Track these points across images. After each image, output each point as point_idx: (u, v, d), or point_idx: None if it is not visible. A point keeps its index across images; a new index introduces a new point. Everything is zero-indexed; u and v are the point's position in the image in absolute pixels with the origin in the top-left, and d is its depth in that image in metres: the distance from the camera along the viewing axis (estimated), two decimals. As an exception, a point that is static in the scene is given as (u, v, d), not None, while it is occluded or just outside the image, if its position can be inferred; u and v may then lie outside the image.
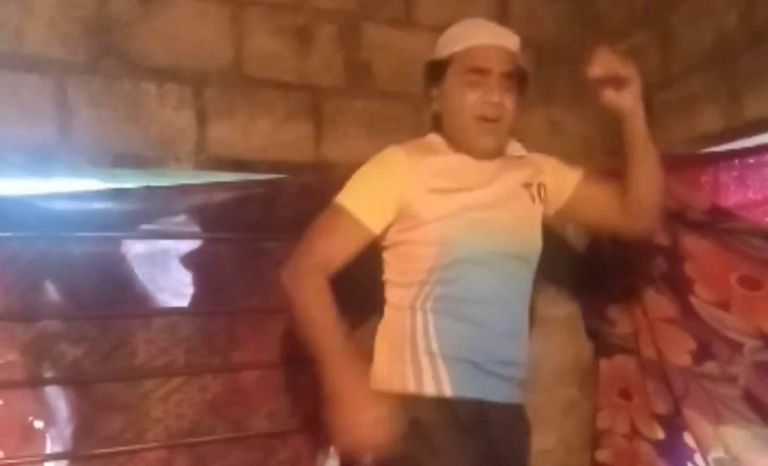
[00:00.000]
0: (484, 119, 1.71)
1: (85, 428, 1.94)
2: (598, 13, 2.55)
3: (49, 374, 1.92)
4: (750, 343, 2.01)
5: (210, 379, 2.05)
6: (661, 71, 2.34)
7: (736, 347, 2.04)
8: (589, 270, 2.52)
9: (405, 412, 1.60)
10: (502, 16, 2.45)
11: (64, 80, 1.90)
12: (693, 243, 2.15)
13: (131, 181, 1.99)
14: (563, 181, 1.89)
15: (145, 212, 1.97)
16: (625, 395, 2.43)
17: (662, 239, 2.22)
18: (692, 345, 2.15)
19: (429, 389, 1.66)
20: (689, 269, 2.15)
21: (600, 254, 2.47)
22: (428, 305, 1.69)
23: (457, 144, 1.76)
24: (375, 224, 1.69)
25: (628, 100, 1.71)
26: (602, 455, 2.49)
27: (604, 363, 2.49)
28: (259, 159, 2.09)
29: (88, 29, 1.92)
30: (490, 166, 1.77)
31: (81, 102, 1.91)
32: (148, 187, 1.98)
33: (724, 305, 2.06)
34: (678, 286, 2.18)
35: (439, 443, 1.63)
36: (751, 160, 2.08)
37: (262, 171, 2.09)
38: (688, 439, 2.19)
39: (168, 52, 2.00)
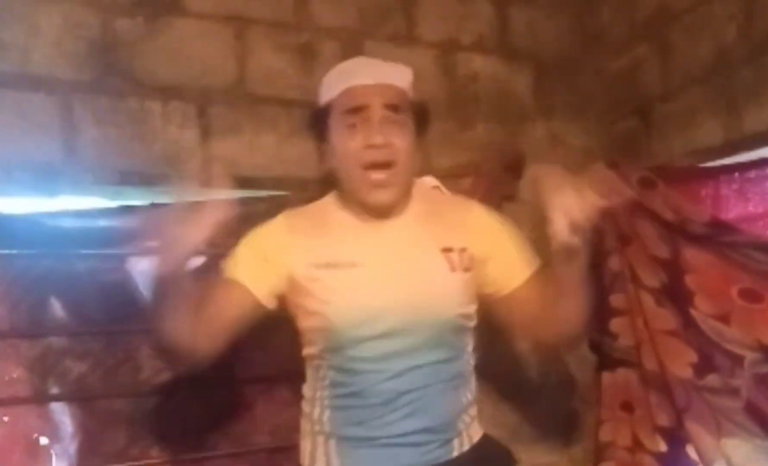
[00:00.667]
0: (373, 167, 1.49)
1: (90, 444, 1.95)
2: (599, 27, 2.57)
3: (54, 390, 1.92)
4: (750, 356, 2.01)
5: (214, 394, 2.05)
6: (661, 84, 2.35)
7: (737, 359, 2.04)
8: (590, 283, 2.51)
9: None
10: (502, 30, 2.48)
11: (70, 99, 1.92)
12: (694, 256, 2.15)
13: (136, 198, 2.00)
14: (507, 271, 1.62)
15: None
16: (628, 407, 2.43)
17: (663, 251, 2.23)
18: (693, 358, 2.16)
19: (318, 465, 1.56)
20: (690, 281, 2.16)
21: (601, 266, 2.48)
22: (326, 381, 1.57)
23: (351, 202, 1.57)
24: (263, 294, 1.56)
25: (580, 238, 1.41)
26: (605, 467, 2.49)
27: (606, 376, 2.49)
28: (263, 176, 2.11)
29: (93, 48, 1.94)
30: (390, 226, 1.57)
31: (86, 120, 1.93)
32: (153, 205, 1.99)
33: (725, 318, 2.07)
34: (679, 298, 2.19)
35: None
36: (752, 174, 2.09)
37: (266, 188, 2.11)
38: (691, 451, 2.20)
39: (172, 70, 2.02)
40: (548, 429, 2.46)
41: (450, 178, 2.23)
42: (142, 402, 1.98)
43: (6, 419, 1.92)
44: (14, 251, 1.88)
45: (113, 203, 2.01)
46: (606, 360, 2.50)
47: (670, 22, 2.31)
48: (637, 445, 2.39)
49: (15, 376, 1.90)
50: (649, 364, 2.30)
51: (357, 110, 1.51)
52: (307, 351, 1.62)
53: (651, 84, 2.39)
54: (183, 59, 2.04)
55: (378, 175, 1.50)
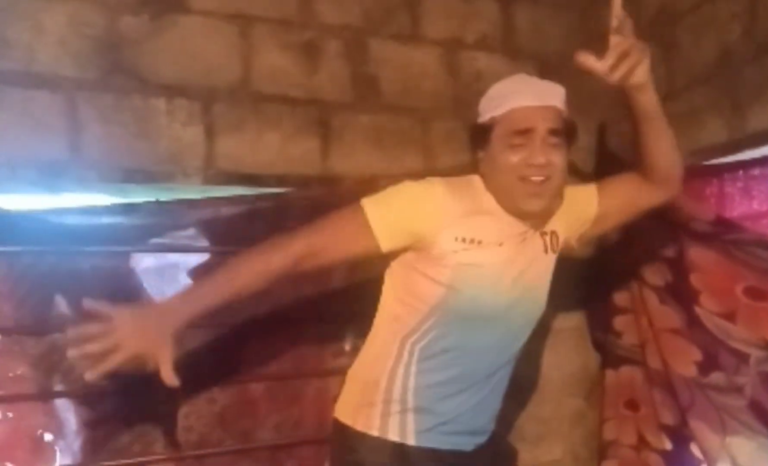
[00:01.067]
0: (529, 180, 1.60)
1: (94, 441, 1.95)
2: (603, 26, 2.56)
3: (59, 387, 1.93)
4: (756, 353, 2.01)
5: (218, 391, 2.06)
6: (666, 84, 2.35)
7: (742, 357, 2.04)
8: (595, 282, 2.52)
9: (363, 453, 1.63)
10: (506, 29, 2.48)
11: (75, 97, 1.92)
12: (698, 254, 2.16)
13: (141, 195, 2.01)
14: (583, 206, 1.81)
15: (154, 227, 2.00)
16: (632, 406, 2.43)
17: (668, 250, 2.23)
18: (698, 356, 2.16)
19: (392, 436, 1.64)
20: (695, 280, 2.16)
21: (606, 265, 2.49)
22: (417, 348, 1.65)
23: (503, 204, 1.66)
24: (384, 242, 1.61)
25: (641, 74, 1.58)
26: (609, 465, 2.49)
27: (610, 374, 2.50)
28: (267, 173, 2.11)
29: (98, 46, 1.95)
30: (525, 224, 1.69)
31: (91, 118, 1.93)
32: (158, 202, 2.00)
33: (730, 316, 2.07)
34: (684, 297, 2.19)
35: None
36: (756, 172, 2.10)
37: (270, 185, 2.11)
38: (695, 449, 2.20)
39: (177, 68, 2.02)
40: (552, 427, 2.46)
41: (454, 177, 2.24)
42: (146, 399, 1.99)
43: (11, 415, 1.92)
44: (19, 248, 1.88)
45: (118, 200, 2.02)
46: (610, 358, 2.50)
47: (674, 21, 2.31)
48: (641, 443, 2.39)
49: (20, 373, 1.90)
50: (654, 362, 2.31)
51: (523, 132, 1.59)
52: (405, 320, 1.67)
53: (655, 83, 2.35)
54: (187, 57, 2.04)
55: (534, 186, 1.61)
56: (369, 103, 2.26)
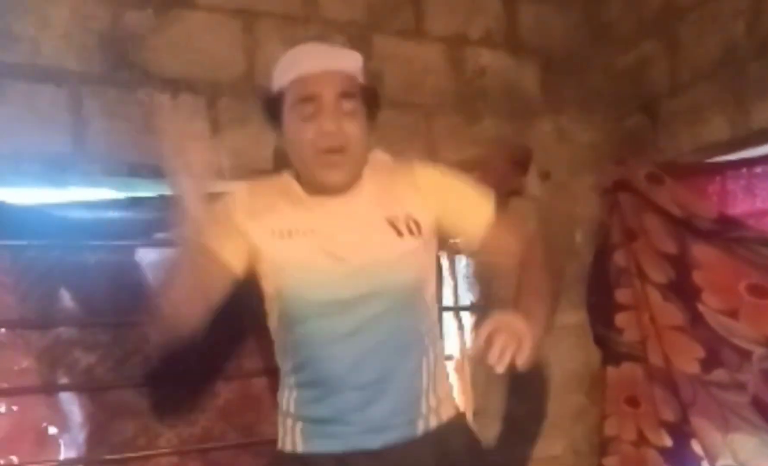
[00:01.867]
0: (326, 152, 1.51)
1: (98, 434, 1.96)
2: (607, 23, 2.57)
3: (63, 381, 1.94)
4: (759, 351, 2.02)
5: (221, 385, 2.07)
6: (669, 80, 2.35)
7: (745, 354, 2.05)
8: (597, 278, 2.53)
9: None
10: (510, 25, 2.48)
11: (80, 91, 1.92)
12: (701, 251, 2.16)
13: (145, 190, 2.01)
14: (472, 216, 1.63)
15: (158, 221, 1.99)
16: (633, 402, 2.44)
17: (670, 247, 2.24)
18: (700, 353, 2.16)
19: (287, 448, 1.57)
20: (697, 277, 2.16)
21: (608, 261, 2.49)
22: (288, 355, 1.57)
23: (305, 181, 1.57)
24: (233, 263, 1.52)
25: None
26: (610, 461, 2.49)
27: (611, 371, 2.50)
28: (271, 168, 2.11)
29: (103, 41, 1.95)
30: (342, 201, 1.56)
31: (96, 112, 1.93)
32: (162, 197, 2.00)
33: (733, 313, 2.07)
34: (686, 294, 2.20)
35: None
36: (758, 169, 2.11)
37: (274, 180, 2.11)
38: (696, 446, 2.20)
39: (182, 63, 2.02)
40: (553, 423, 2.46)
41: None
42: (150, 393, 1.99)
43: (15, 408, 1.94)
44: (24, 242, 1.89)
45: (122, 195, 2.02)
46: (611, 354, 2.51)
47: (678, 18, 2.31)
48: (642, 439, 2.40)
49: (24, 366, 1.92)
50: (655, 359, 2.31)
51: (309, 99, 1.51)
52: (270, 324, 1.61)
53: (658, 80, 2.39)
54: (192, 52, 2.04)
55: (331, 158, 1.51)
56: (373, 98, 2.26)
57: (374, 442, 1.50)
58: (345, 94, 1.52)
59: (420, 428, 1.54)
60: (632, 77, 2.49)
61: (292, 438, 1.56)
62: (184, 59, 2.03)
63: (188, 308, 1.44)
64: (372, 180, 1.61)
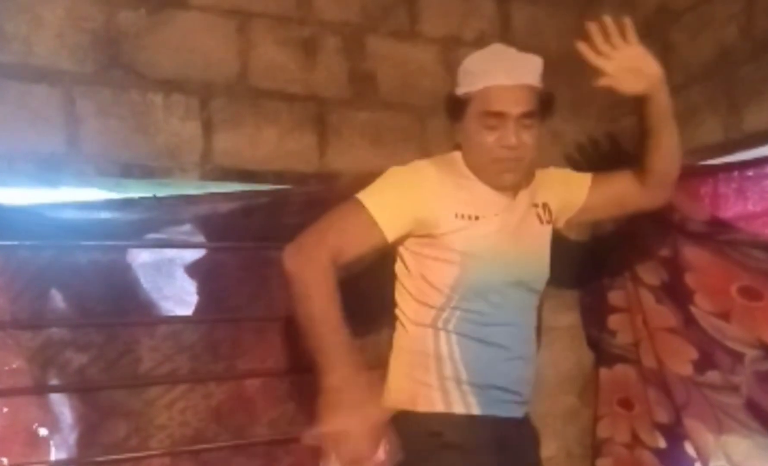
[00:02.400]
0: (501, 159, 1.68)
1: (89, 435, 1.96)
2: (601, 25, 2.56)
3: (54, 381, 1.93)
4: (751, 353, 2.02)
5: (214, 386, 2.06)
6: (662, 83, 2.35)
7: (738, 356, 2.05)
8: (590, 280, 2.53)
9: (431, 429, 1.65)
10: (504, 27, 2.48)
11: (73, 91, 1.92)
12: (693, 254, 2.16)
13: (138, 190, 2.01)
14: (574, 190, 1.89)
15: (151, 222, 1.99)
16: (626, 404, 2.44)
17: (663, 249, 2.24)
18: (694, 355, 2.17)
19: (458, 409, 1.67)
20: (690, 279, 2.17)
21: (601, 264, 2.49)
22: (451, 326, 1.69)
23: (481, 178, 1.73)
24: (390, 232, 1.64)
25: (647, 79, 1.73)
26: (603, 463, 2.50)
27: (604, 372, 2.51)
28: (265, 169, 2.11)
29: (96, 40, 1.94)
30: (507, 196, 1.75)
31: (89, 112, 1.93)
32: (155, 197, 2.00)
33: (725, 316, 2.08)
34: (679, 296, 2.20)
35: (470, 457, 1.65)
36: (750, 173, 2.10)
37: (268, 181, 2.12)
38: (689, 448, 2.21)
39: (175, 63, 2.02)
40: (545, 425, 2.47)
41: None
42: (141, 394, 1.99)
43: (6, 409, 1.92)
44: (16, 242, 1.88)
45: (115, 195, 2.02)
46: (604, 356, 2.51)
47: (671, 21, 2.31)
48: (635, 441, 2.40)
49: (15, 367, 1.91)
50: (648, 361, 2.32)
51: (496, 115, 1.65)
52: (429, 306, 1.70)
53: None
54: (185, 52, 2.03)
55: (507, 164, 1.68)
56: (367, 100, 2.26)
57: (519, 411, 1.77)
58: (528, 114, 1.67)
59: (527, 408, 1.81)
60: (626, 80, 2.49)
61: (463, 401, 1.68)
62: (178, 59, 2.03)
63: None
64: (549, 189, 1.85)
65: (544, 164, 2.45)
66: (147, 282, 2.01)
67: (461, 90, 1.72)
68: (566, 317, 2.55)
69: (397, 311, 1.79)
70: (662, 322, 2.26)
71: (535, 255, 1.79)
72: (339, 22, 2.22)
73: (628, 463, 2.43)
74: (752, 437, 2.03)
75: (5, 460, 1.91)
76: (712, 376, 2.12)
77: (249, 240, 2.08)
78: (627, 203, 1.92)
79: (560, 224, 1.91)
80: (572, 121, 2.53)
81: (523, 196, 1.78)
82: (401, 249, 1.74)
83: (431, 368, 1.69)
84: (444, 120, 2.29)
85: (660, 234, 2.25)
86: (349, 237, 1.63)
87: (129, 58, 1.98)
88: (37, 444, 1.95)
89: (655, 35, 2.37)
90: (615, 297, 2.46)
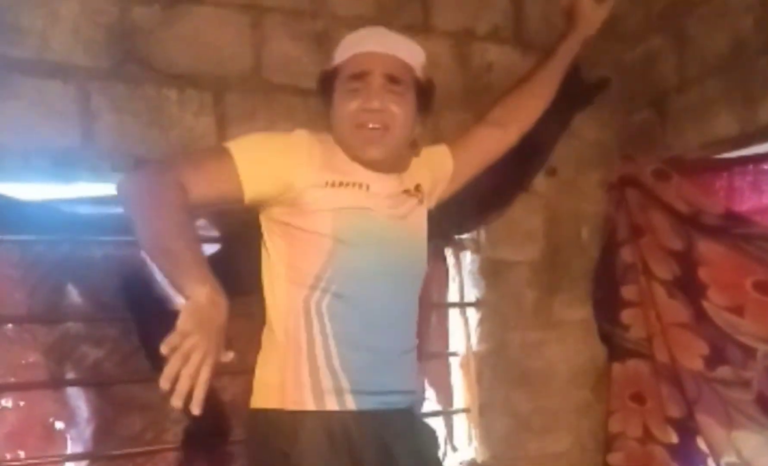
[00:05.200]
0: (365, 127, 1.58)
1: (105, 429, 1.97)
2: (614, 18, 2.54)
3: (70, 375, 1.95)
4: (764, 348, 2.02)
5: (229, 380, 2.07)
6: (677, 76, 2.35)
7: (750, 352, 2.05)
8: (603, 275, 2.53)
9: (303, 430, 1.52)
10: (517, 20, 2.47)
11: (88, 86, 1.92)
12: (707, 248, 2.16)
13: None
14: (439, 163, 1.85)
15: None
16: (638, 399, 2.44)
17: (676, 243, 2.23)
18: (705, 350, 2.16)
19: (331, 407, 1.55)
20: (703, 273, 2.16)
21: (614, 258, 2.49)
22: (323, 306, 1.56)
23: (349, 155, 1.63)
24: (249, 188, 1.53)
25: (601, 14, 2.01)
26: (615, 458, 2.50)
27: (617, 367, 2.50)
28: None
29: (111, 36, 1.95)
30: (386, 179, 1.66)
31: (104, 107, 1.93)
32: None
33: (738, 310, 2.07)
34: (691, 290, 2.19)
35: (348, 454, 1.53)
36: (766, 166, 2.09)
37: (282, 176, 2.11)
38: (701, 443, 2.21)
39: (189, 58, 2.02)
40: (559, 419, 2.47)
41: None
42: (157, 388, 1.99)
43: (22, 403, 1.94)
44: (32, 237, 1.90)
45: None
46: (617, 351, 2.51)
47: (686, 13, 2.30)
48: (647, 436, 2.40)
49: (32, 361, 1.92)
50: (661, 356, 2.31)
51: (359, 76, 1.58)
52: (301, 282, 1.58)
53: (666, 76, 2.38)
54: (199, 47, 2.03)
55: (370, 133, 1.58)
56: (380, 93, 2.25)
57: (401, 403, 1.67)
58: (394, 77, 1.59)
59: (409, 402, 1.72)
60: (640, 73, 2.48)
61: (338, 396, 1.56)
62: (192, 54, 2.03)
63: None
64: (420, 170, 1.77)
65: (560, 159, 2.49)
66: (162, 276, 2.02)
67: (332, 63, 1.67)
68: (579, 312, 2.55)
69: (267, 302, 1.67)
70: (674, 317, 2.25)
71: (415, 243, 1.71)
72: (352, 16, 2.21)
73: (640, 458, 2.43)
74: (763, 433, 2.03)
75: (22, 453, 1.93)
76: (723, 371, 2.12)
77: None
78: (491, 151, 1.93)
79: (433, 203, 1.84)
80: (587, 115, 2.53)
81: (400, 179, 1.69)
82: (270, 229, 1.63)
83: (303, 361, 1.56)
84: (458, 114, 2.32)
85: (674, 228, 2.24)
86: (203, 174, 1.51)
87: (143, 53, 1.98)
88: (54, 438, 1.97)
89: (669, 27, 2.37)
90: (628, 291, 2.45)
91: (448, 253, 2.48)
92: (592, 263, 2.55)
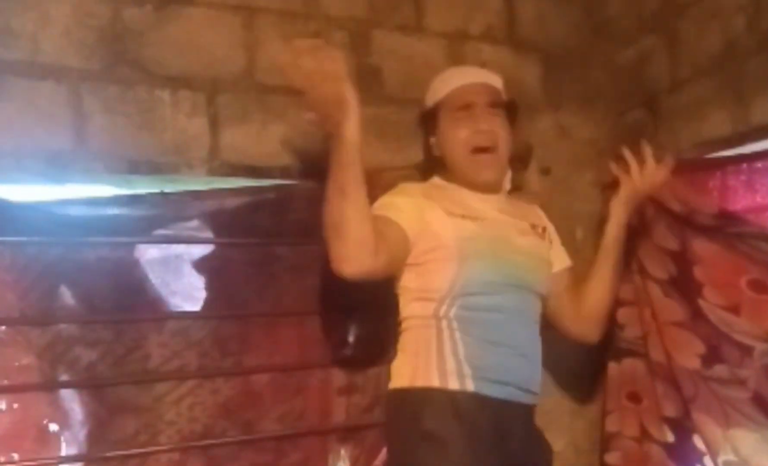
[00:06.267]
0: (479, 151, 1.80)
1: (99, 431, 1.96)
2: (607, 18, 2.56)
3: (64, 378, 1.94)
4: (760, 346, 2.01)
5: (222, 382, 2.06)
6: (669, 76, 2.35)
7: (746, 350, 2.04)
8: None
9: (427, 406, 1.68)
10: (510, 21, 2.47)
11: (80, 88, 1.92)
12: (702, 247, 2.15)
13: (145, 187, 2.01)
14: (553, 253, 2.01)
15: (158, 218, 2.00)
16: (635, 398, 2.43)
17: (671, 242, 2.23)
18: (701, 348, 2.15)
19: (452, 386, 1.69)
20: (698, 272, 2.16)
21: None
22: (452, 314, 1.72)
23: (461, 181, 1.84)
24: (410, 229, 1.72)
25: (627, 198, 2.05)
26: (611, 457, 2.49)
27: (612, 367, 2.49)
28: (272, 165, 2.11)
29: (103, 37, 1.95)
30: (494, 199, 1.86)
31: (96, 109, 1.93)
32: (162, 193, 2.00)
33: (734, 309, 2.07)
34: (687, 289, 2.19)
35: (470, 425, 1.68)
36: (759, 165, 2.09)
37: (274, 177, 2.11)
38: (698, 442, 2.20)
39: (181, 59, 2.02)
40: (553, 419, 2.46)
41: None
42: (150, 390, 1.99)
43: (16, 406, 1.93)
44: (24, 239, 1.89)
45: (122, 192, 2.02)
46: (613, 350, 2.50)
47: (678, 13, 2.30)
48: (644, 435, 2.39)
49: (25, 363, 1.91)
50: (656, 355, 2.30)
51: (465, 107, 1.81)
52: (431, 294, 1.74)
53: (659, 75, 2.38)
54: (192, 49, 2.03)
55: (484, 157, 1.80)
56: (373, 94, 2.25)
57: (522, 397, 1.80)
58: (495, 104, 1.84)
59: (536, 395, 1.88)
60: (632, 73, 2.48)
61: (459, 379, 1.70)
62: (184, 56, 2.03)
63: (368, 246, 1.56)
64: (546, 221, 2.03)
65: (553, 159, 2.49)
66: (155, 278, 2.01)
67: (431, 102, 1.91)
68: (574, 311, 2.54)
69: (402, 332, 1.83)
70: (670, 315, 2.25)
71: (533, 261, 1.86)
72: (345, 17, 2.21)
73: (636, 457, 2.42)
74: (760, 431, 2.02)
75: (16, 455, 1.92)
76: (720, 370, 2.11)
77: (256, 235, 2.09)
78: (558, 316, 2.03)
79: None
80: (578, 114, 2.53)
81: (516, 210, 1.91)
82: (404, 277, 1.80)
83: (432, 363, 1.72)
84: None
85: (668, 227, 2.24)
86: (386, 235, 1.65)
87: (135, 54, 1.98)
88: (47, 440, 1.96)
89: (662, 27, 2.37)
90: (623, 290, 2.44)
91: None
92: (587, 263, 2.54)
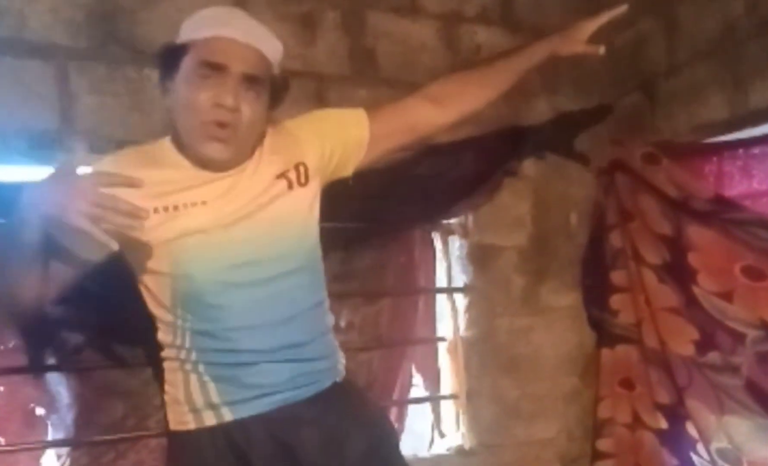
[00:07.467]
0: (214, 124, 1.42)
1: (86, 415, 1.95)
2: (603, 0, 2.53)
3: (51, 361, 1.92)
4: (753, 333, 2.01)
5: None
6: (667, 59, 2.33)
7: (739, 337, 2.04)
8: (591, 260, 2.51)
9: (186, 452, 1.46)
10: (506, 2, 2.45)
11: (67, 66, 1.89)
12: (697, 233, 2.14)
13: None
14: (352, 128, 1.64)
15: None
16: (627, 384, 2.43)
17: (666, 228, 2.22)
18: (695, 335, 2.15)
19: (209, 422, 1.44)
20: (693, 259, 2.15)
21: (603, 243, 2.47)
22: (187, 332, 1.45)
23: (185, 149, 1.47)
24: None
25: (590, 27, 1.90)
26: (603, 444, 2.49)
27: (606, 353, 2.49)
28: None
29: (91, 15, 1.91)
30: (227, 177, 1.48)
31: (83, 89, 1.90)
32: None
33: (728, 296, 2.06)
34: (681, 276, 2.18)
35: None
36: (756, 150, 2.08)
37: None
38: (691, 428, 2.20)
39: (171, 38, 1.98)
40: (547, 405, 2.46)
41: (451, 152, 2.21)
42: (139, 374, 1.97)
43: (2, 389, 1.92)
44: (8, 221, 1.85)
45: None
46: (606, 337, 2.50)
47: (676, -4, 2.28)
48: (636, 422, 2.39)
49: (11, 346, 1.90)
50: (650, 341, 2.30)
51: (215, 66, 1.41)
52: (160, 318, 1.49)
53: (656, 59, 2.36)
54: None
55: (218, 131, 1.42)
56: (366, 76, 2.23)
57: (296, 397, 1.48)
58: (252, 77, 1.44)
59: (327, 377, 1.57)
60: (629, 57, 2.46)
61: (215, 412, 1.45)
62: (174, 35, 1.97)
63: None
64: (267, 153, 1.54)
65: (548, 142, 2.46)
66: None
67: (181, 39, 1.47)
68: (567, 298, 2.54)
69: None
70: (664, 302, 2.24)
71: (275, 238, 1.49)
72: (338, -3, 2.18)
73: (629, 443, 2.42)
74: (753, 418, 2.02)
75: (2, 439, 1.91)
76: (713, 357, 2.11)
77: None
78: (419, 130, 1.72)
79: (348, 171, 1.65)
80: (574, 98, 2.51)
81: (253, 175, 1.50)
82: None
83: (180, 387, 1.47)
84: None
85: (663, 213, 2.23)
86: None
87: (125, 33, 1.95)
88: (34, 423, 1.95)
89: (659, 11, 2.34)
90: (617, 277, 2.44)
91: (436, 237, 2.46)
92: (581, 248, 2.53)
